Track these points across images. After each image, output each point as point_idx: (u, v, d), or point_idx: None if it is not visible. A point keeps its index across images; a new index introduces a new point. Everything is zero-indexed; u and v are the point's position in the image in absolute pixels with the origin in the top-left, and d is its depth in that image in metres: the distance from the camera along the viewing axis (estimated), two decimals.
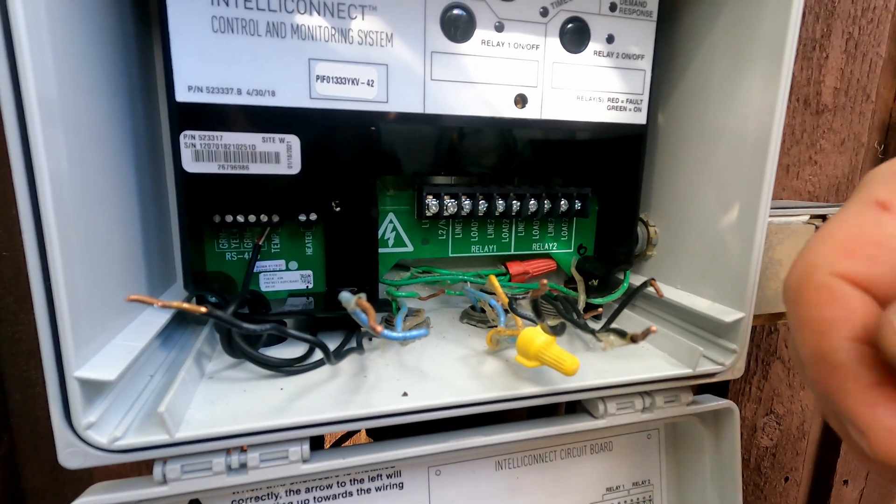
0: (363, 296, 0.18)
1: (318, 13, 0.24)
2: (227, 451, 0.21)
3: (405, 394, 0.23)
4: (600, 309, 0.33)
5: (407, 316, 0.31)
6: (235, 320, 0.19)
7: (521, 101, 0.28)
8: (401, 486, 0.28)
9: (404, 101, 0.26)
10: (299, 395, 0.23)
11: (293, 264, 0.30)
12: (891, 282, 0.12)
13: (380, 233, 0.31)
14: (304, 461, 0.22)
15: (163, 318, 0.25)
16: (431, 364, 0.27)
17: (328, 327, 0.30)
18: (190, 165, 0.24)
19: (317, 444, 0.25)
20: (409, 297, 0.33)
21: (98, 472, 0.34)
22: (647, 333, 0.23)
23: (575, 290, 0.34)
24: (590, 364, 0.27)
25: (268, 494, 0.26)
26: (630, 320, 0.33)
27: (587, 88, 0.29)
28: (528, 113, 0.28)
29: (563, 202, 0.32)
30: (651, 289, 0.30)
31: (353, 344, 0.25)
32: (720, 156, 0.29)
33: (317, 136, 0.25)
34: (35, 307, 0.17)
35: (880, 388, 0.12)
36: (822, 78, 0.44)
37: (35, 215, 0.17)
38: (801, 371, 0.15)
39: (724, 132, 0.28)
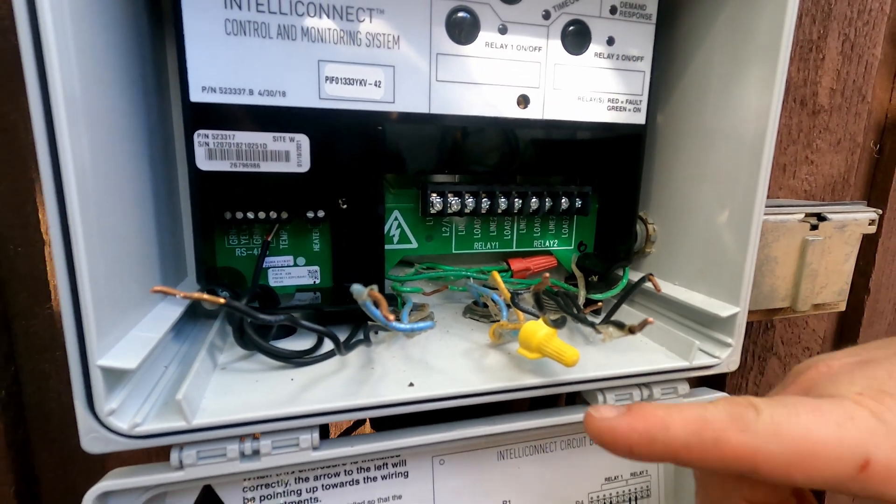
0: (375, 287, 0.18)
1: (328, 16, 0.25)
2: (241, 438, 0.22)
3: (411, 384, 0.24)
4: (600, 304, 0.33)
5: (411, 311, 0.31)
6: (251, 311, 0.20)
7: (523, 101, 0.29)
8: (406, 474, 0.29)
9: (410, 101, 0.27)
10: (309, 385, 0.24)
11: (301, 260, 0.31)
12: None
13: (385, 229, 0.32)
14: (315, 448, 0.23)
15: (177, 311, 0.26)
16: (436, 357, 0.28)
17: (335, 321, 0.31)
18: (203, 164, 0.25)
19: (324, 435, 0.26)
20: (413, 292, 0.34)
21: (110, 461, 0.35)
22: (644, 325, 0.24)
23: (575, 286, 0.35)
24: (589, 357, 0.28)
25: (277, 482, 0.27)
26: (629, 315, 0.34)
27: (588, 89, 0.30)
28: (531, 113, 0.29)
29: (563, 200, 0.33)
30: (649, 284, 0.31)
31: (361, 336, 0.26)
32: (717, 155, 0.30)
33: (325, 135, 0.26)
34: (60, 299, 0.18)
35: None
36: (818, 79, 0.45)
37: (61, 211, 0.17)
38: None
39: (721, 132, 0.29)
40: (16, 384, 0.32)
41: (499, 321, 0.30)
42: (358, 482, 0.28)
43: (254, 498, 0.26)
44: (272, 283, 0.30)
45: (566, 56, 0.29)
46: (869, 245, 0.52)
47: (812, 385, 0.18)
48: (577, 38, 0.29)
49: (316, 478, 0.27)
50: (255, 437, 0.23)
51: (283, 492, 0.27)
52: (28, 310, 0.32)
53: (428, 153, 0.29)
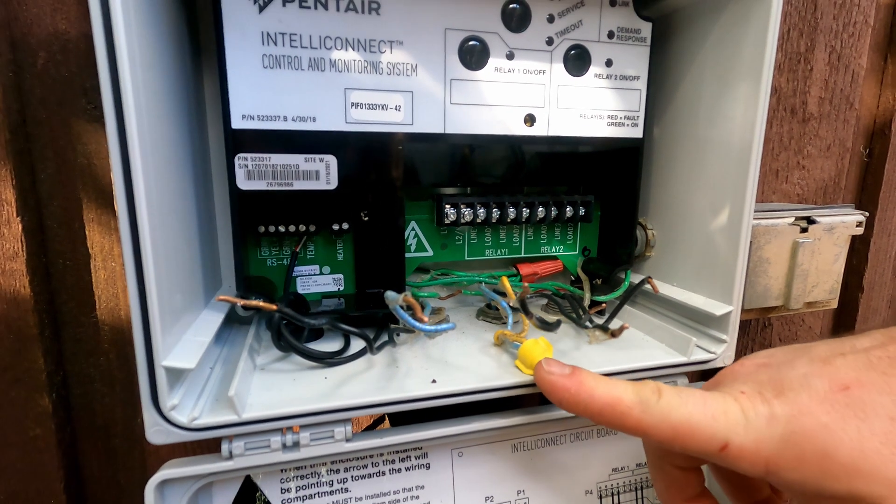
0: (408, 293, 0.21)
1: (353, 49, 0.27)
2: (282, 430, 0.25)
3: (434, 381, 0.27)
4: (604, 305, 0.36)
5: (430, 314, 0.34)
6: (299, 316, 0.22)
7: (530, 120, 0.31)
8: (428, 466, 0.31)
9: (427, 122, 0.29)
10: (342, 383, 0.26)
11: (326, 269, 0.33)
12: None
13: None
14: (348, 440, 0.26)
15: (219, 317, 0.28)
16: (454, 356, 0.30)
17: (358, 325, 0.34)
18: (243, 184, 0.27)
19: None
20: (430, 296, 0.36)
21: (149, 458, 0.37)
22: (622, 330, 0.28)
23: (580, 288, 0.38)
24: (594, 354, 0.30)
25: (311, 473, 0.29)
26: (631, 315, 0.36)
27: (589, 107, 0.33)
28: (537, 130, 0.32)
29: (568, 209, 0.36)
30: (649, 286, 0.33)
31: (387, 338, 0.28)
32: (709, 165, 0.32)
33: (351, 155, 0.29)
34: (130, 307, 0.21)
35: None
36: (807, 89, 0.47)
37: (132, 231, 0.20)
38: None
39: (713, 143, 0.32)
40: (64, 387, 0.35)
41: (503, 332, 0.32)
42: (384, 473, 0.30)
43: (290, 488, 0.29)
44: (300, 290, 0.33)
45: (568, 78, 0.32)
46: (862, 245, 0.55)
47: (721, 380, 0.23)
48: (578, 61, 0.31)
49: (346, 469, 0.30)
50: (293, 430, 0.25)
51: (317, 482, 0.29)
52: (75, 319, 0.35)
53: (443, 169, 0.32)
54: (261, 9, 0.26)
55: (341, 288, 0.34)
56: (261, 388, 0.26)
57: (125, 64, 0.19)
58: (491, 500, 0.32)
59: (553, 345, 0.30)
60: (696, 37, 0.33)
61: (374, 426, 0.42)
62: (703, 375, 0.50)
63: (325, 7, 0.27)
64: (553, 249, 0.39)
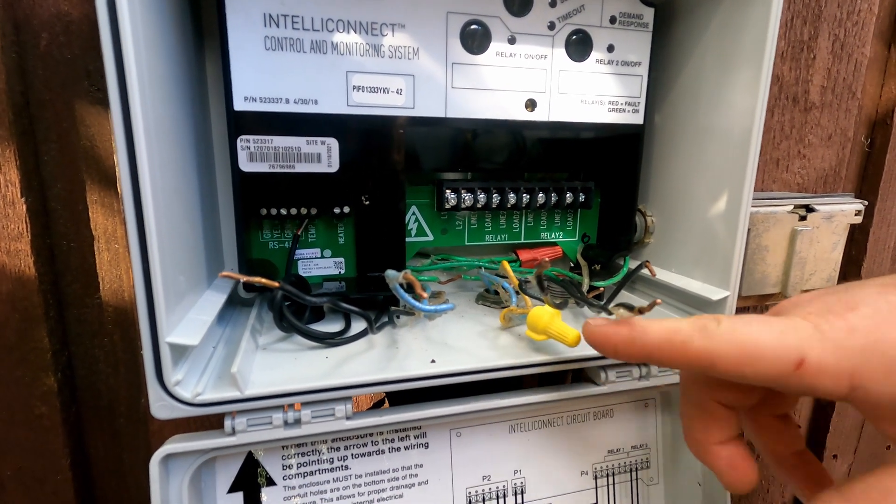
0: (409, 271, 0.21)
1: (355, 31, 0.27)
2: (284, 407, 0.25)
3: (433, 361, 0.27)
4: (602, 290, 0.36)
5: (430, 297, 0.34)
6: (300, 293, 0.23)
7: (531, 105, 0.32)
8: (426, 445, 0.32)
9: (429, 106, 0.29)
10: (342, 362, 0.27)
11: (327, 252, 0.34)
12: None
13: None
14: (348, 418, 0.26)
15: (221, 298, 0.29)
16: (454, 338, 0.30)
17: (359, 308, 0.34)
18: (245, 165, 0.28)
19: None
20: (430, 281, 0.37)
21: (153, 437, 0.38)
22: (653, 305, 0.27)
23: (579, 274, 0.38)
24: None
25: (312, 451, 0.30)
26: (630, 300, 0.36)
27: (590, 93, 0.33)
28: (538, 115, 0.32)
29: (568, 195, 0.36)
30: (647, 272, 0.34)
31: (387, 319, 0.29)
32: (709, 152, 0.32)
33: (353, 138, 0.29)
34: (135, 285, 0.21)
35: None
36: (810, 77, 0.47)
37: (137, 210, 0.20)
38: None
39: (713, 131, 0.32)
40: (69, 368, 0.36)
41: (509, 307, 0.32)
42: (384, 452, 0.31)
43: (291, 465, 0.29)
44: (301, 273, 0.33)
45: (570, 63, 0.32)
46: (861, 235, 0.55)
47: (780, 309, 0.21)
48: (579, 46, 0.32)
49: (347, 447, 0.30)
50: (295, 407, 0.26)
51: (318, 459, 0.30)
52: (79, 300, 0.35)
53: (444, 153, 0.32)
54: None
55: (342, 271, 0.34)
56: (263, 367, 0.26)
57: (129, 46, 0.19)
58: (488, 479, 0.33)
59: None
60: (698, 22, 0.33)
61: (375, 408, 0.43)
62: None
63: None
64: (553, 236, 0.39)
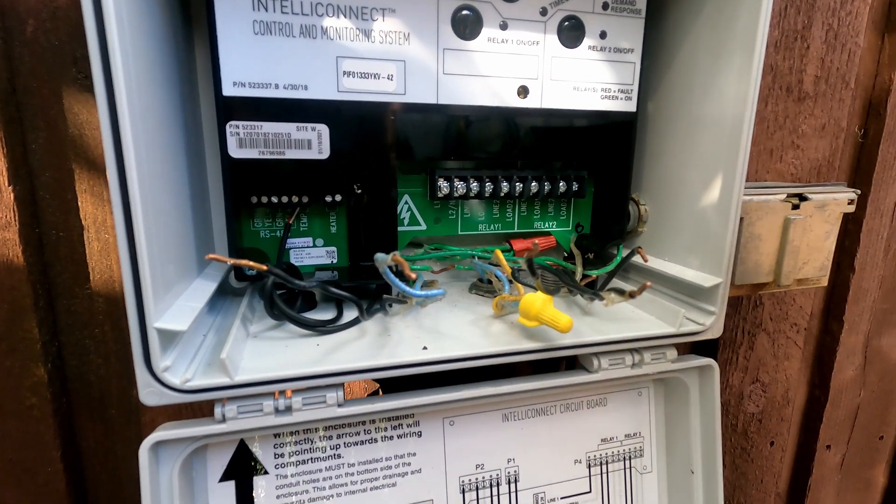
0: (398, 252, 0.21)
1: (345, 16, 0.27)
2: (275, 394, 0.25)
3: (425, 348, 0.27)
4: (594, 277, 0.36)
5: (422, 286, 0.34)
6: (290, 277, 0.22)
7: (523, 91, 0.31)
8: (419, 434, 0.32)
9: (420, 92, 0.29)
10: (334, 349, 0.27)
11: (319, 241, 0.33)
12: None
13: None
14: (340, 405, 0.26)
15: (211, 286, 0.28)
16: (446, 326, 0.30)
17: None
18: (235, 152, 0.27)
19: None
20: (423, 270, 0.36)
21: (145, 429, 0.38)
22: (643, 288, 0.27)
23: (573, 264, 0.38)
24: (585, 325, 0.31)
25: (304, 439, 0.30)
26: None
27: (583, 80, 0.32)
28: (530, 102, 0.32)
29: (561, 184, 0.36)
30: (639, 259, 0.34)
31: (378, 306, 0.29)
32: (702, 140, 0.32)
33: (343, 124, 0.29)
34: (122, 270, 0.21)
35: None
36: (803, 67, 0.47)
37: (123, 196, 0.20)
38: None
39: (706, 119, 0.32)
40: (59, 358, 0.35)
41: (501, 295, 0.32)
42: (376, 440, 0.31)
43: (283, 454, 0.29)
44: (293, 262, 0.33)
45: (562, 49, 0.32)
46: (854, 226, 0.55)
47: None
48: (572, 32, 0.31)
49: (339, 436, 0.30)
50: (286, 395, 0.26)
51: (310, 448, 0.30)
52: (69, 290, 0.35)
53: (436, 141, 0.32)
54: None
55: (335, 261, 0.34)
56: (253, 355, 0.26)
57: (114, 30, 0.19)
58: (481, 468, 0.33)
59: None
60: (691, 9, 0.32)
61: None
62: (692, 347, 0.50)
63: None
64: (546, 225, 0.39)
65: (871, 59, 0.52)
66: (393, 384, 0.29)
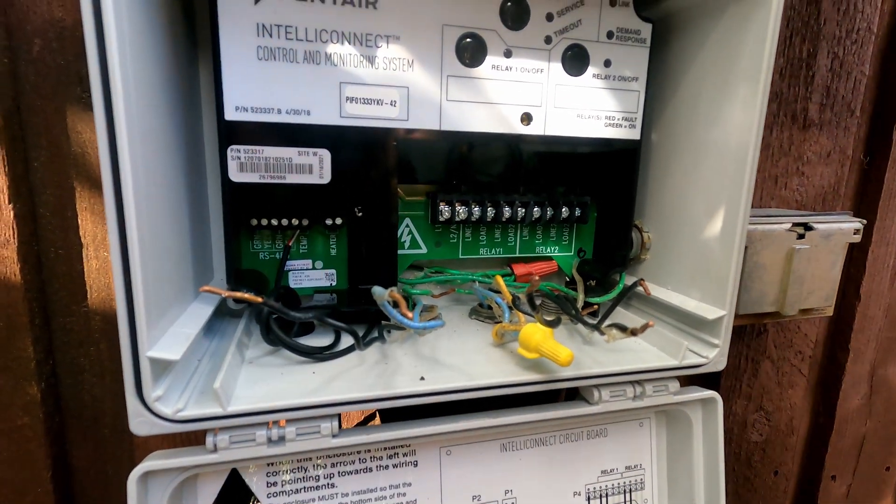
0: (395, 289, 0.21)
1: (349, 42, 0.27)
2: (268, 424, 0.25)
3: (422, 378, 0.26)
4: (596, 307, 0.36)
5: (421, 311, 0.34)
6: (285, 309, 0.22)
7: (526, 118, 0.31)
8: (415, 463, 0.31)
9: (423, 119, 0.29)
10: (330, 378, 0.26)
11: (318, 263, 0.33)
12: None
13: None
14: (334, 436, 0.26)
15: (208, 310, 0.28)
16: (445, 354, 0.30)
17: (350, 321, 0.33)
18: (235, 176, 0.27)
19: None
20: (423, 294, 0.36)
21: (137, 451, 0.37)
22: (645, 327, 0.26)
23: (575, 290, 0.37)
24: (586, 356, 0.30)
25: (297, 468, 0.29)
26: (624, 317, 0.36)
27: (586, 107, 0.32)
28: (533, 129, 0.32)
29: (564, 209, 0.35)
30: (641, 289, 0.33)
31: (376, 334, 0.28)
32: (706, 168, 0.32)
33: (345, 150, 0.29)
34: (116, 296, 0.21)
35: None
36: (809, 95, 0.47)
37: (119, 219, 0.20)
38: None
39: (710, 147, 0.32)
40: (53, 377, 0.35)
41: (501, 323, 0.32)
42: (371, 470, 0.30)
43: (276, 482, 0.29)
44: (292, 284, 0.33)
45: (566, 77, 0.31)
46: (860, 254, 0.54)
47: None
48: (576, 60, 0.31)
49: (333, 465, 0.29)
50: (280, 424, 0.25)
51: (303, 477, 0.29)
52: (66, 308, 0.34)
53: (438, 166, 0.32)
54: (256, 0, 0.26)
55: (334, 283, 0.34)
56: (248, 382, 0.25)
57: (114, 51, 0.19)
58: (478, 500, 0.32)
59: None
60: (696, 39, 0.32)
61: (364, 423, 0.42)
62: (694, 380, 0.50)
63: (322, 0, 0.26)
64: (548, 250, 0.39)
65: (876, 87, 0.52)
66: (390, 412, 0.28)
